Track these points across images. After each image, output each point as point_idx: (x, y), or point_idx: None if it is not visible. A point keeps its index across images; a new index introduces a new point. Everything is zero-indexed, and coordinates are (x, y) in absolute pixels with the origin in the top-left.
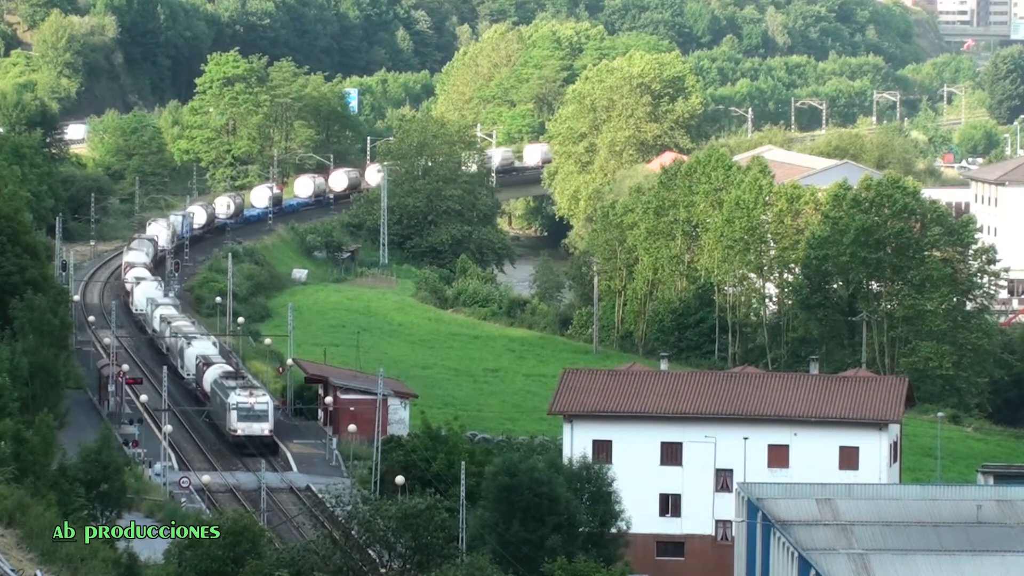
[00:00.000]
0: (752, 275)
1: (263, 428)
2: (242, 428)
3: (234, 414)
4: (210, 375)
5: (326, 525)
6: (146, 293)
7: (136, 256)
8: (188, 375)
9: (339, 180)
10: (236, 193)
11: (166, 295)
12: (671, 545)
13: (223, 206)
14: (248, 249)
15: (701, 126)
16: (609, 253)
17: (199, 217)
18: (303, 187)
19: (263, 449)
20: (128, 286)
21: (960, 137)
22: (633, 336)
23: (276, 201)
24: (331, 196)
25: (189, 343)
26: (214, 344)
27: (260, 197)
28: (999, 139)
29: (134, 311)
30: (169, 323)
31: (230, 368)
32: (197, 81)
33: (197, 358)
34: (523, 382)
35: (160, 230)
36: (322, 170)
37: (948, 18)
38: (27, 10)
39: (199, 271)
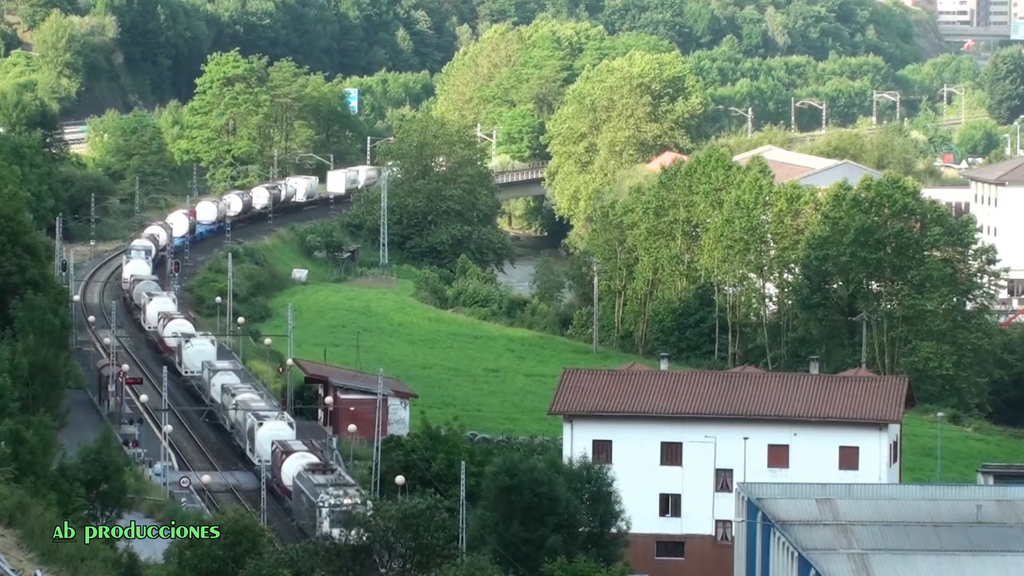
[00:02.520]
0: (752, 275)
1: (361, 534)
2: (336, 535)
3: (327, 519)
4: (291, 467)
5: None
6: (200, 354)
7: (166, 302)
8: (260, 461)
9: (234, 203)
10: (163, 223)
11: (196, 326)
12: (671, 545)
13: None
14: (248, 249)
15: (701, 126)
16: (609, 253)
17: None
18: (206, 212)
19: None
20: (171, 341)
21: (960, 137)
22: (633, 336)
23: (191, 228)
24: (229, 222)
25: (260, 423)
26: (290, 425)
27: (179, 224)
28: (999, 139)
29: (183, 373)
30: (233, 395)
31: (315, 459)
32: (197, 81)
33: (273, 444)
34: (523, 382)
35: (136, 267)
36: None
37: (948, 18)
38: (27, 10)
39: (199, 271)
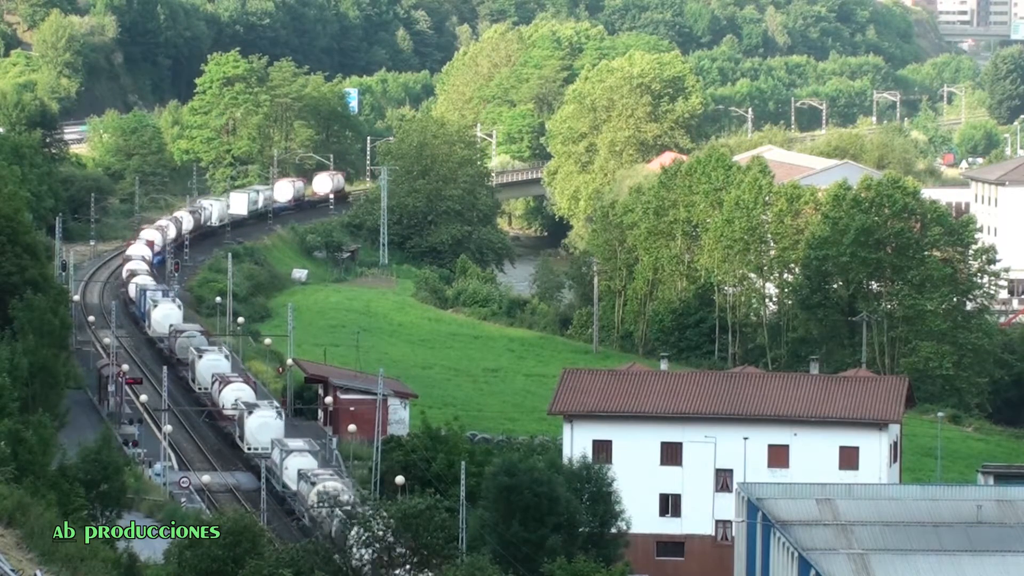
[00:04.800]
0: (752, 275)
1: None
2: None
3: None
4: None
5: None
6: (267, 429)
7: (218, 359)
8: None
9: (169, 229)
10: (138, 257)
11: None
12: (671, 545)
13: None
14: (248, 249)
15: (701, 126)
16: (609, 253)
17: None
18: (157, 239)
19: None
20: (228, 408)
21: (960, 137)
22: (633, 336)
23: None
24: (172, 247)
25: (354, 522)
26: (387, 525)
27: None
28: (999, 139)
29: (247, 449)
30: (313, 483)
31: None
32: (197, 81)
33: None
34: (523, 382)
35: (169, 313)
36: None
37: (948, 18)
38: (27, 10)
39: (199, 271)
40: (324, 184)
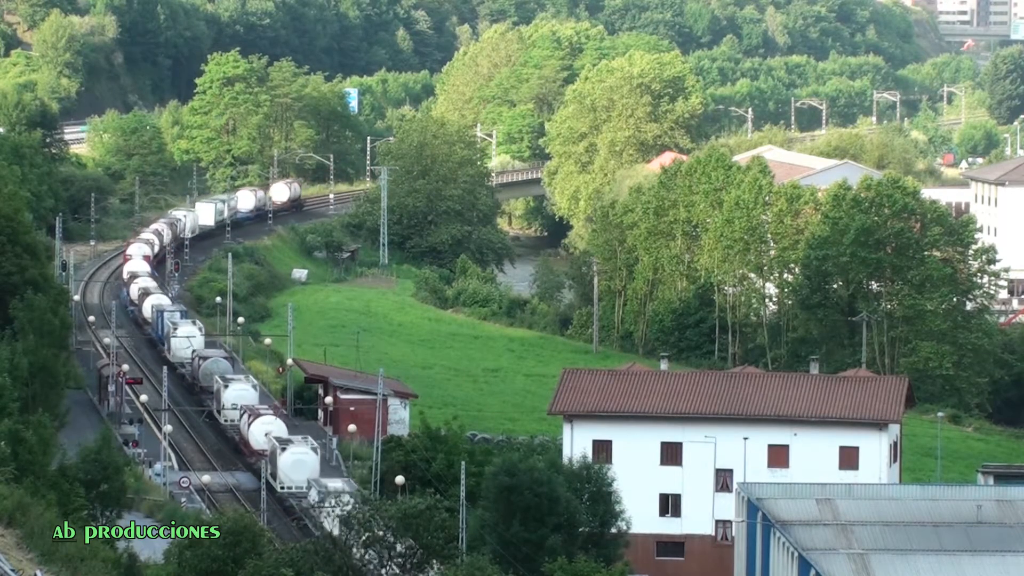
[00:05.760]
0: (752, 275)
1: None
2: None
3: None
4: None
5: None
6: (302, 467)
7: (245, 389)
8: None
9: (155, 241)
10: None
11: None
12: (671, 545)
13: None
14: (248, 249)
15: (701, 126)
16: (609, 253)
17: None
18: (144, 249)
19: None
20: (258, 443)
21: (960, 137)
22: (633, 336)
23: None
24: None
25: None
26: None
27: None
28: (999, 139)
29: (279, 488)
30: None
31: None
32: (197, 81)
33: None
34: (523, 382)
35: (190, 334)
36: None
37: (948, 18)
38: (27, 10)
39: (199, 271)
40: (281, 193)
